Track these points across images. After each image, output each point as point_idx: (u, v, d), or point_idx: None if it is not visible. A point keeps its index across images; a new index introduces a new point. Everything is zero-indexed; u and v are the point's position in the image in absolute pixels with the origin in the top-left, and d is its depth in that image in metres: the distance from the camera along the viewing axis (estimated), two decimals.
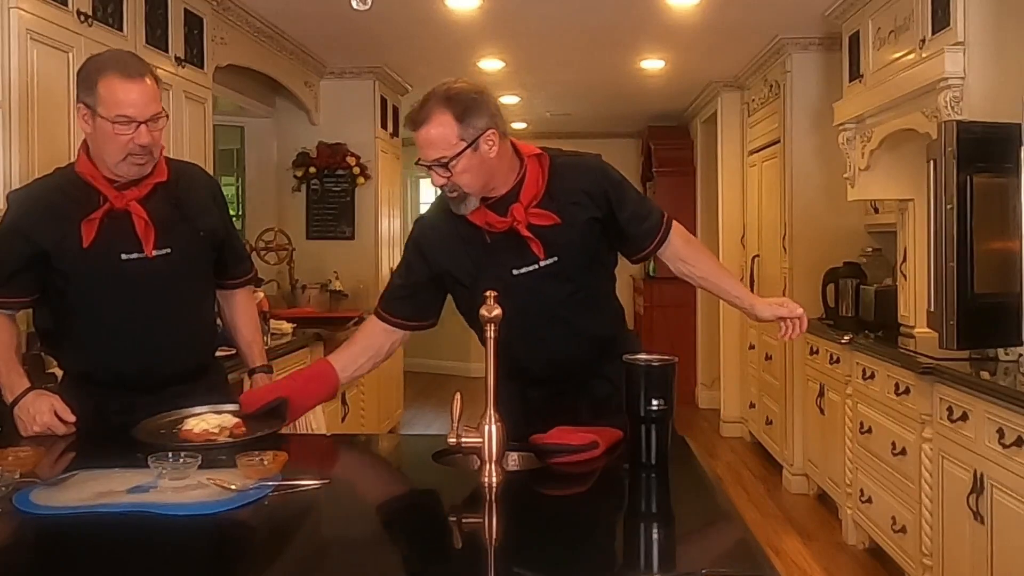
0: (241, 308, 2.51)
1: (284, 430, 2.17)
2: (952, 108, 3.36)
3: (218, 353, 2.52)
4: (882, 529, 3.79)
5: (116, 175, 2.17)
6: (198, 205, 2.31)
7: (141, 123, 2.10)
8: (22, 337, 2.42)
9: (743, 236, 6.55)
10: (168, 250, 2.19)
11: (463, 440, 1.78)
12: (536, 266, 2.12)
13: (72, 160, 2.27)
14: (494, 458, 1.74)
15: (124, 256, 2.16)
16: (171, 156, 3.65)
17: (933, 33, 3.57)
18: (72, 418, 2.16)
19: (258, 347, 2.52)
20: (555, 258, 2.12)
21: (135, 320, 2.21)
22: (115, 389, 2.22)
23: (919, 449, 3.38)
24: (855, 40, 4.43)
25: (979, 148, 3.18)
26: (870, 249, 4.92)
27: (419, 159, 2.06)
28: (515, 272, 2.12)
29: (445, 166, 2.01)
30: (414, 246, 2.23)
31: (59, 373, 2.34)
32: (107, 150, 2.13)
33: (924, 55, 3.61)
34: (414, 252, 2.23)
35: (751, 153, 6.36)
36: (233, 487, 1.64)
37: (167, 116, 2.24)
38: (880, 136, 4.10)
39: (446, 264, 2.17)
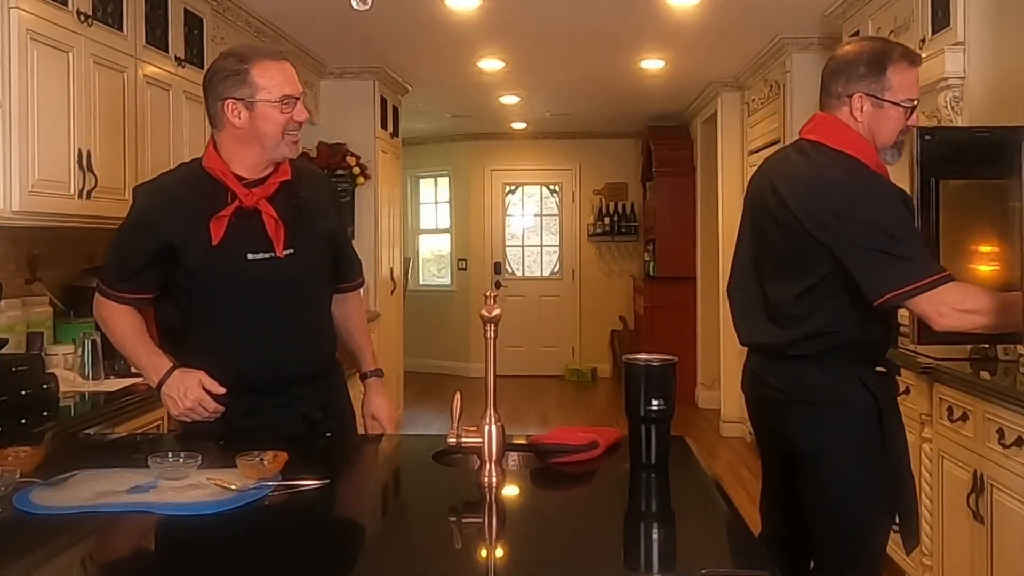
0: (354, 312, 2.48)
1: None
2: (952, 108, 3.36)
3: None
4: None
5: (270, 159, 2.17)
6: (319, 206, 2.28)
7: (297, 99, 2.16)
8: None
9: None
10: (292, 251, 2.16)
11: (463, 440, 1.78)
12: None
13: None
14: (494, 458, 1.74)
15: (250, 256, 2.13)
16: (171, 156, 3.69)
17: (933, 33, 3.57)
18: (222, 390, 2.12)
19: (370, 351, 2.50)
20: None
21: (261, 321, 2.18)
22: (239, 391, 2.17)
23: (919, 449, 3.37)
24: None
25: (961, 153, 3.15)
26: None
27: (915, 98, 2.25)
28: None
29: None
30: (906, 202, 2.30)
31: None
32: (269, 134, 2.14)
33: (924, 55, 3.61)
34: (909, 209, 2.31)
35: (751, 153, 6.36)
36: (233, 487, 1.63)
37: None
38: None
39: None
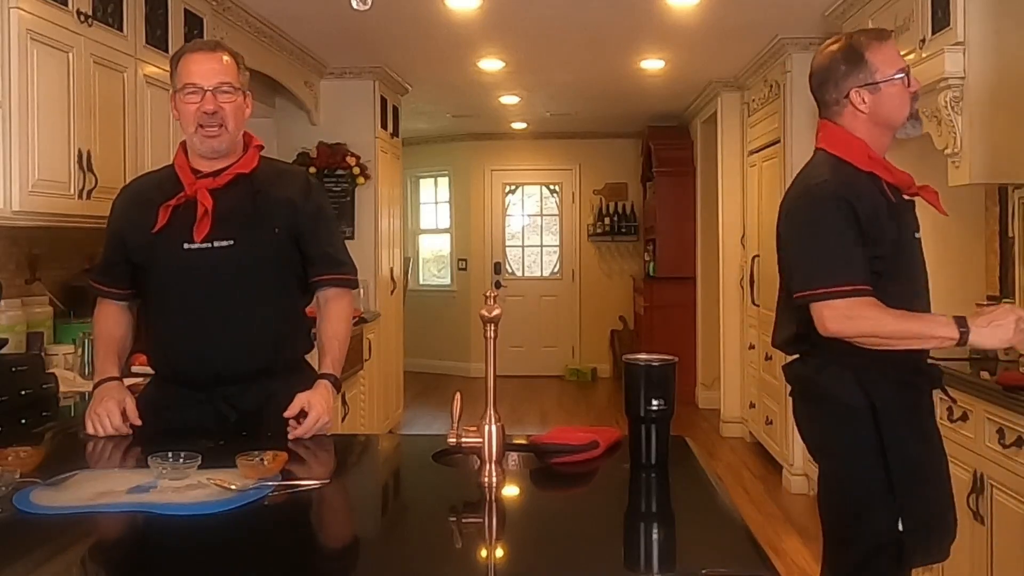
0: (329, 314, 2.32)
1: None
2: (952, 108, 3.36)
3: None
4: None
5: (201, 157, 2.20)
6: (279, 203, 2.22)
7: (207, 91, 2.14)
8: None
9: (743, 236, 6.55)
10: (231, 242, 2.14)
11: (463, 440, 1.78)
12: (919, 234, 2.28)
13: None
14: (494, 458, 1.74)
15: (186, 246, 2.14)
16: (171, 156, 3.69)
17: (933, 33, 3.57)
18: (138, 421, 2.13)
19: (330, 355, 2.28)
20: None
21: (193, 313, 2.18)
22: (172, 383, 2.22)
23: None
24: None
25: None
26: None
27: (903, 66, 2.23)
28: (916, 235, 2.26)
29: None
30: (847, 206, 2.12)
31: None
32: (184, 125, 2.18)
33: (924, 55, 3.61)
34: (847, 213, 2.11)
35: (751, 153, 6.36)
36: (233, 487, 1.64)
37: (247, 94, 2.24)
38: None
39: (874, 223, 2.13)
